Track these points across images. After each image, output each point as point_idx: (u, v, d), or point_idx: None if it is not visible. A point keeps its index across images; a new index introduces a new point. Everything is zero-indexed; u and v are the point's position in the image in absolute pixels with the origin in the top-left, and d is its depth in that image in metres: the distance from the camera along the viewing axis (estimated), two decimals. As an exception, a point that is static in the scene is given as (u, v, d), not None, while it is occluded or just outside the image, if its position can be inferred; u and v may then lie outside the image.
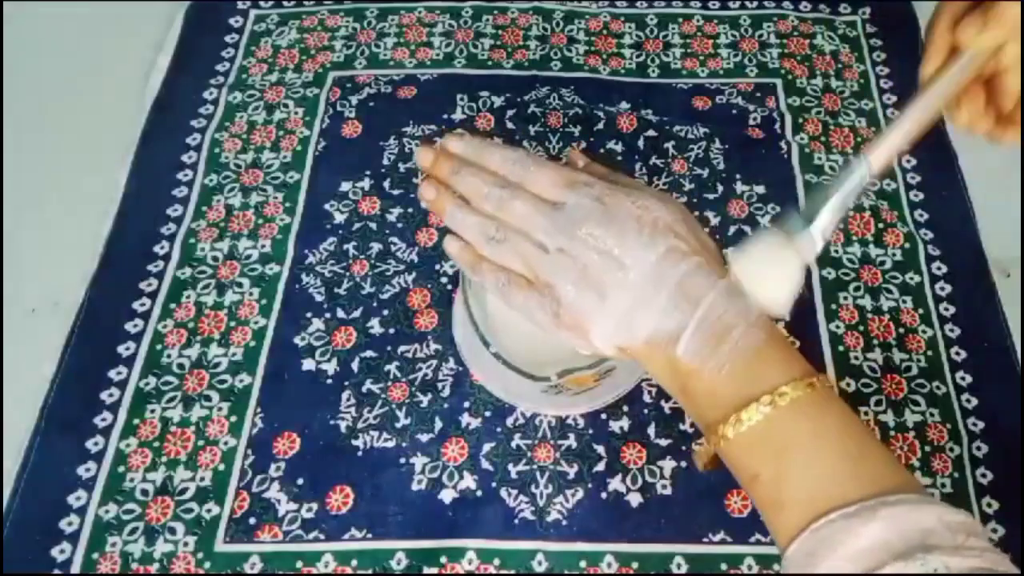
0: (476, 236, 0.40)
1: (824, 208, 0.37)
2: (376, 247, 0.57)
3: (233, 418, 0.50)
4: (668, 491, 0.48)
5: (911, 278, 0.56)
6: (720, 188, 0.60)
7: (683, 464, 0.49)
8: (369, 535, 0.47)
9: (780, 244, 0.37)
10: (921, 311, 0.54)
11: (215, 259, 0.57)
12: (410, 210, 0.59)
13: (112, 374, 0.52)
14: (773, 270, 0.37)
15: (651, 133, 0.62)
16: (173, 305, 0.55)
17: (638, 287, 0.36)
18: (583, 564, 0.46)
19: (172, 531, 0.47)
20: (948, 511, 0.30)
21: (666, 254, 0.36)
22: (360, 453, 0.49)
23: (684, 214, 0.38)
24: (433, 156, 0.42)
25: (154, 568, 0.46)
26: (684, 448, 0.50)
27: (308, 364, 0.52)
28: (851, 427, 0.34)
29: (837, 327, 0.54)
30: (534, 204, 0.39)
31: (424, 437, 0.50)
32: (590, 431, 0.50)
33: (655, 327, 0.36)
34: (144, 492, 0.48)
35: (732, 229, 0.58)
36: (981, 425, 0.50)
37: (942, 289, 0.55)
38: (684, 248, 0.36)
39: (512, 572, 0.46)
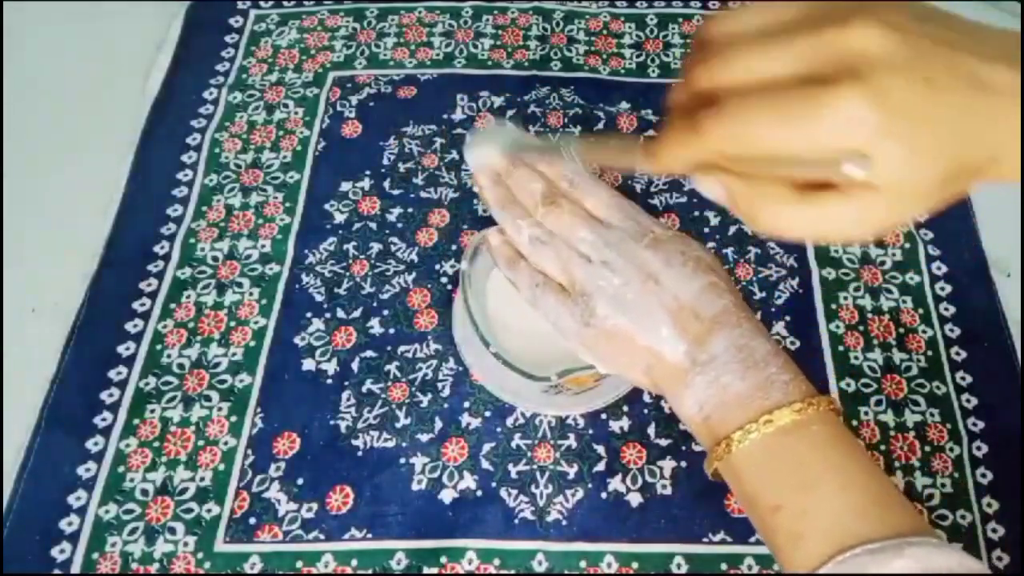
0: (519, 233, 0.42)
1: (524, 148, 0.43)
2: (376, 247, 0.57)
3: (233, 418, 0.50)
4: (668, 491, 0.48)
5: (911, 278, 0.56)
6: (720, 188, 0.59)
7: (683, 464, 0.49)
8: (369, 535, 0.47)
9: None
10: (921, 311, 0.54)
11: (215, 259, 0.57)
12: (410, 210, 0.59)
13: (112, 374, 0.52)
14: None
15: (651, 133, 0.62)
16: (173, 305, 0.55)
17: (676, 313, 0.37)
18: (583, 564, 0.46)
19: (172, 531, 0.47)
20: (967, 558, 0.30)
21: (707, 287, 0.38)
22: (360, 453, 0.49)
23: (717, 261, 0.41)
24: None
25: (154, 568, 0.46)
26: (684, 448, 0.50)
27: (308, 364, 0.52)
28: (870, 465, 0.35)
29: (837, 327, 0.54)
30: (584, 216, 0.41)
31: (424, 437, 0.50)
32: (590, 431, 0.50)
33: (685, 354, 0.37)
34: (144, 492, 0.48)
35: (732, 229, 0.58)
36: (981, 425, 0.50)
37: (942, 289, 0.55)
38: (722, 286, 0.38)
39: (512, 572, 0.46)
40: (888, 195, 0.26)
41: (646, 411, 0.51)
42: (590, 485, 0.48)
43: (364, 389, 0.51)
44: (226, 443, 0.50)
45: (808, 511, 0.33)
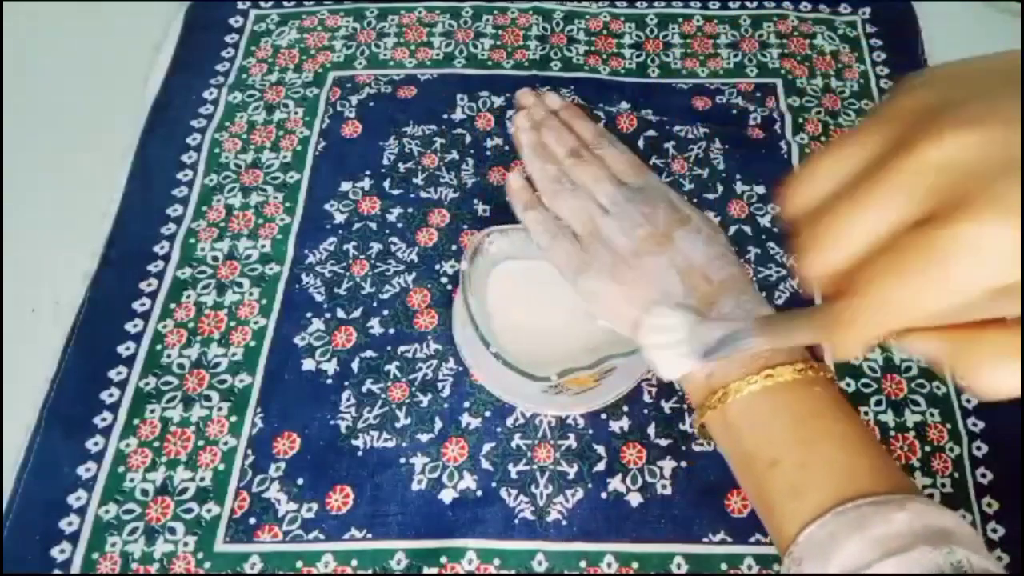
0: (544, 178, 0.43)
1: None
2: (376, 247, 0.57)
3: (233, 418, 0.50)
4: (668, 491, 0.48)
5: (911, 278, 0.56)
6: (720, 188, 0.60)
7: (683, 464, 0.49)
8: (369, 535, 0.47)
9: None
10: (921, 311, 0.54)
11: (215, 259, 0.57)
12: (410, 210, 0.59)
13: (112, 374, 0.52)
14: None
15: (651, 133, 0.62)
16: (173, 305, 0.55)
17: (685, 271, 0.38)
18: (583, 564, 0.46)
19: (172, 531, 0.47)
20: (961, 521, 0.31)
21: (718, 255, 0.39)
22: (360, 453, 0.49)
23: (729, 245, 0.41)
24: (533, 99, 0.47)
25: (154, 568, 0.46)
26: (684, 448, 0.50)
27: (308, 364, 0.52)
28: (867, 432, 0.35)
29: (837, 327, 0.54)
30: (608, 174, 0.43)
31: (424, 437, 0.50)
32: (590, 431, 0.50)
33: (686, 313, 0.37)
34: (144, 492, 0.48)
35: (732, 229, 0.58)
36: (981, 425, 0.50)
37: (942, 289, 0.55)
38: (732, 258, 0.40)
39: (512, 572, 0.46)
40: None
41: (646, 411, 0.51)
42: (590, 485, 0.48)
43: (364, 389, 0.51)
44: (226, 443, 0.50)
45: (808, 464, 0.33)
